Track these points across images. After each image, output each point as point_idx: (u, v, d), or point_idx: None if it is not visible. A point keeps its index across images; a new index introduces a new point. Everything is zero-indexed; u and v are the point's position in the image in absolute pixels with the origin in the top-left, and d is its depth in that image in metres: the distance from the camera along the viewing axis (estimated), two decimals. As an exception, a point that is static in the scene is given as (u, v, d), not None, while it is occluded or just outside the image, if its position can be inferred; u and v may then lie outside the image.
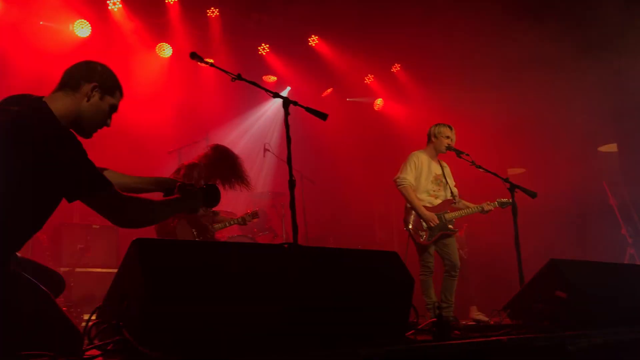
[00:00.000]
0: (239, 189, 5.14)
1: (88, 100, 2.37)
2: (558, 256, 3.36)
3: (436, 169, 5.62)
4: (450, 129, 5.58)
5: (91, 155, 2.19)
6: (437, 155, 5.66)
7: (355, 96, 10.31)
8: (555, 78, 7.82)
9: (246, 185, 5.14)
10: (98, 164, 2.47)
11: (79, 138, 2.25)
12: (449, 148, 5.43)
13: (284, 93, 9.31)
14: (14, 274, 2.11)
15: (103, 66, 2.48)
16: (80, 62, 2.46)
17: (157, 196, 2.69)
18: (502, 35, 7.61)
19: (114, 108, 2.49)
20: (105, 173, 2.66)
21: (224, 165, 5.04)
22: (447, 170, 5.75)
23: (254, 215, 5.90)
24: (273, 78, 9.51)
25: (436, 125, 5.65)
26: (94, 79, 2.39)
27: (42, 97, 2.32)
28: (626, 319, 3.36)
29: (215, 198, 2.70)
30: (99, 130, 2.50)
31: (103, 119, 2.46)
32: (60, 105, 2.30)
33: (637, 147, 7.80)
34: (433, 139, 5.62)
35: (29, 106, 2.20)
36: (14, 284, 2.08)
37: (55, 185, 2.15)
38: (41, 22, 7.31)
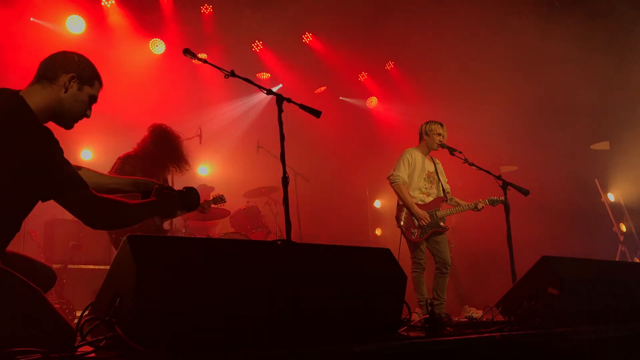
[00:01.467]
0: (175, 171, 4.66)
1: (66, 92, 2.33)
2: (550, 253, 3.37)
3: (429, 166, 5.63)
4: (442, 126, 5.58)
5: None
6: (429, 152, 5.67)
7: (349, 93, 10.31)
8: (549, 77, 7.85)
9: (183, 166, 4.64)
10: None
11: (58, 133, 2.21)
12: (441, 145, 5.43)
13: (276, 90, 9.30)
14: (3, 272, 2.09)
15: (80, 56, 2.43)
16: (57, 53, 2.41)
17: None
18: (497, 33, 7.62)
19: (93, 99, 2.44)
20: (82, 172, 2.60)
21: (164, 149, 4.60)
22: (440, 167, 5.76)
23: (217, 200, 5.31)
24: (267, 75, 9.50)
25: (427, 122, 5.65)
26: (71, 69, 2.35)
27: (19, 90, 2.27)
28: (618, 316, 3.38)
29: (193, 202, 2.65)
30: (80, 121, 2.45)
31: (82, 109, 2.41)
32: (38, 99, 2.25)
33: (630, 145, 7.84)
34: (425, 136, 5.63)
35: (4, 101, 2.16)
36: (3, 281, 2.06)
37: (31, 184, 2.11)
38: (32, 19, 7.25)
